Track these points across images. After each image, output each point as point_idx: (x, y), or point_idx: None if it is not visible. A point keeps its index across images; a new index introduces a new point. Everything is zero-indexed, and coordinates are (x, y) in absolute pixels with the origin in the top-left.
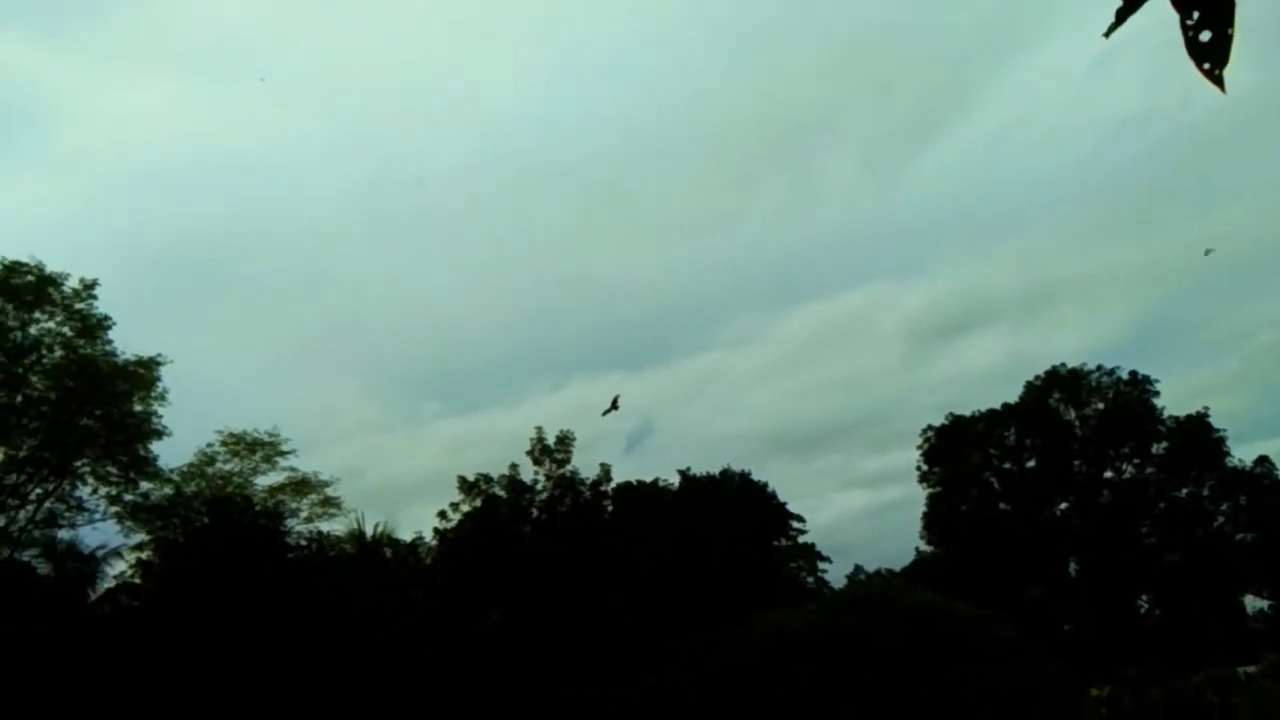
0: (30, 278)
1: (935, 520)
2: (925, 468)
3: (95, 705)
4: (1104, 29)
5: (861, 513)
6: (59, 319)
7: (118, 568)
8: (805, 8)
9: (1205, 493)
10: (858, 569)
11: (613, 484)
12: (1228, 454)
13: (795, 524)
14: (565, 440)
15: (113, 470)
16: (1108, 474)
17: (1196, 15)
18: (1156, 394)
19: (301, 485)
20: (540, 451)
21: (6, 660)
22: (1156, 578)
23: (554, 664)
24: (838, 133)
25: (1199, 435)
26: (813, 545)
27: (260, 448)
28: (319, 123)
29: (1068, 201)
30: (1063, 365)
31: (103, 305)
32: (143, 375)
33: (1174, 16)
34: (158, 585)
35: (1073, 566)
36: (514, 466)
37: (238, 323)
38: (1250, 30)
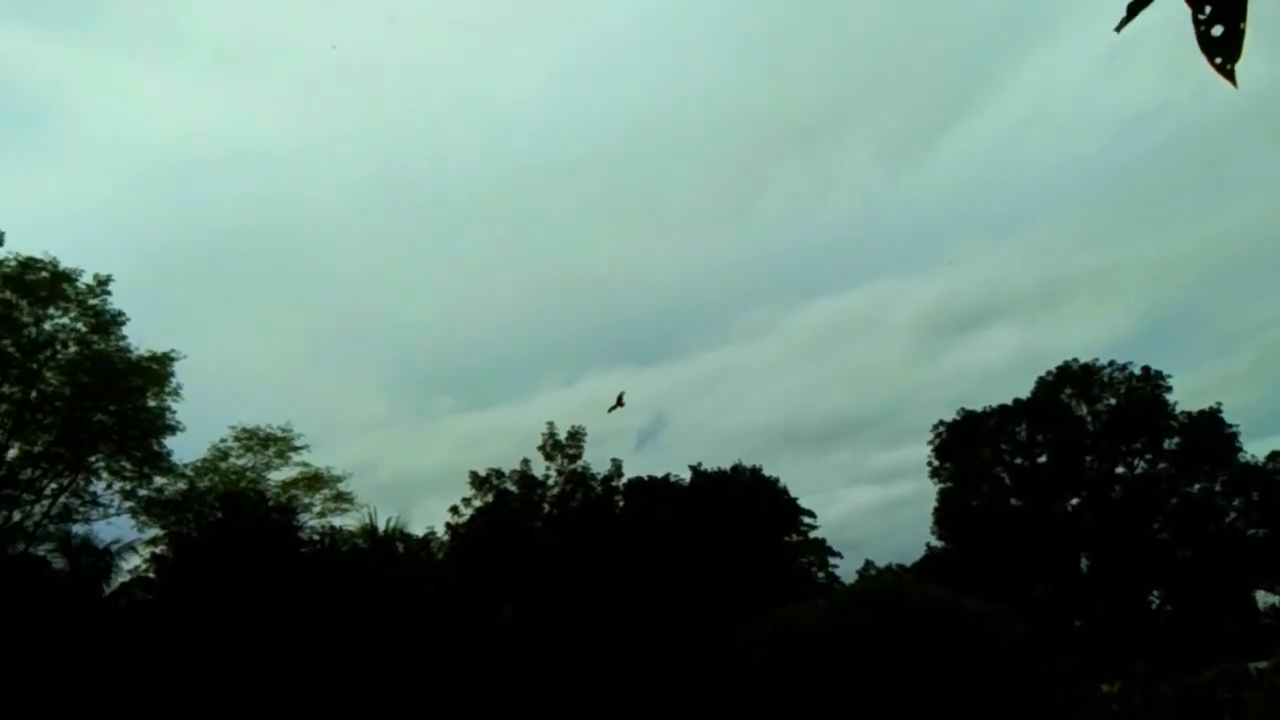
0: (44, 274)
1: (946, 516)
2: (936, 463)
3: (110, 699)
4: (1116, 23)
5: (872, 508)
6: (73, 315)
7: (132, 562)
8: (817, 2)
9: (1217, 488)
10: (868, 564)
11: (624, 479)
12: (1240, 449)
13: (806, 519)
14: (577, 435)
15: (127, 465)
16: (1119, 469)
17: (1209, 9)
18: (1169, 389)
19: (314, 480)
20: (552, 447)
21: (22, 654)
22: (1168, 573)
23: (564, 660)
24: (850, 127)
25: (1211, 431)
26: (824, 540)
27: (273, 443)
28: (332, 118)
29: (1081, 196)
30: (1074, 361)
31: (116, 301)
32: (156, 371)
33: (1186, 10)
34: (172, 580)
35: (1084, 562)
36: (526, 462)
37: (251, 318)
38: (1265, 24)
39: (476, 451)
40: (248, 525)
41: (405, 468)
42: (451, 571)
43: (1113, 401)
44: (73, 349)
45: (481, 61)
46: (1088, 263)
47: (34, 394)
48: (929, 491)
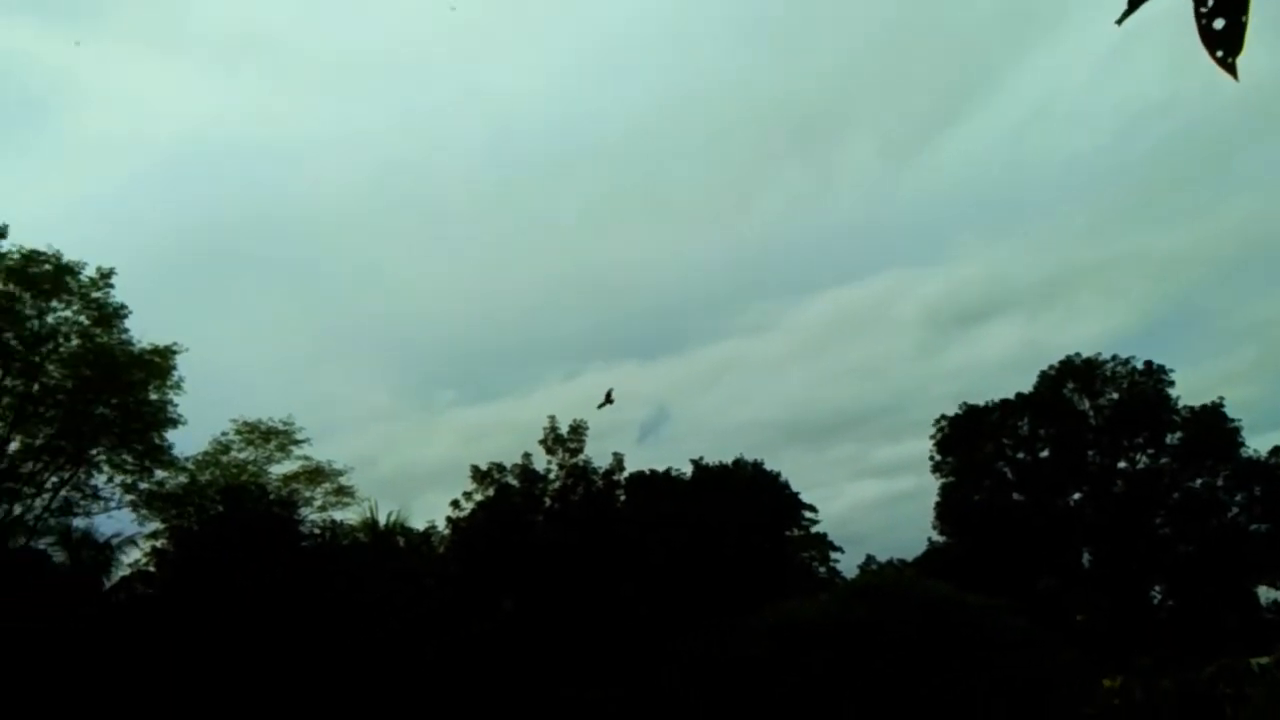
0: (47, 267)
1: (948, 510)
2: (938, 457)
3: (111, 693)
4: (1118, 16)
5: (874, 502)
6: (75, 308)
7: (133, 556)
8: None
9: (1220, 483)
10: (870, 559)
11: (625, 473)
12: (1242, 444)
13: (808, 514)
14: (578, 429)
15: (128, 459)
16: (1121, 464)
17: (1210, 3)
18: (1171, 384)
19: (315, 474)
20: (553, 440)
21: (22, 649)
22: (1170, 568)
23: (565, 655)
24: (854, 123)
25: (1214, 425)
26: (825, 535)
27: (274, 436)
28: (335, 110)
29: (1084, 191)
30: (1077, 355)
31: (119, 294)
32: (158, 364)
33: (1188, 4)
34: (172, 573)
35: (1086, 557)
36: (527, 455)
37: (253, 311)
38: (1269, 18)
39: (478, 445)
40: (249, 519)
41: (406, 461)
42: (452, 565)
43: (1115, 396)
44: (75, 342)
45: (485, 58)
46: (1091, 258)
47: (36, 387)
48: (931, 486)
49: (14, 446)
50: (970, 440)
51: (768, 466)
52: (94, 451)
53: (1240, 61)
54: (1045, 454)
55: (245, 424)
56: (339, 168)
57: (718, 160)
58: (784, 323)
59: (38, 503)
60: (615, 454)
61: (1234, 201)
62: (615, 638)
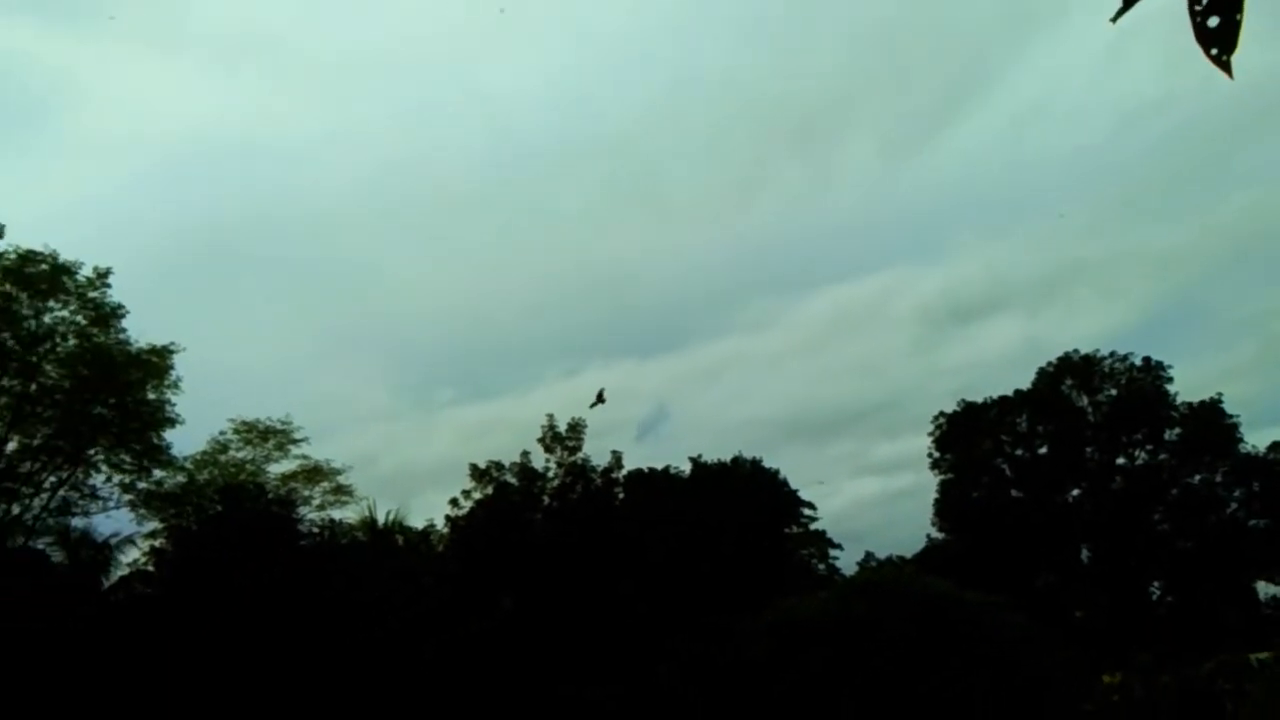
0: (44, 267)
1: (947, 507)
2: (937, 454)
3: (109, 692)
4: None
5: (873, 500)
6: (73, 308)
7: (131, 555)
8: None
9: (1218, 479)
10: (869, 556)
11: (624, 471)
12: (1241, 440)
13: (806, 511)
14: (577, 428)
15: (126, 458)
16: (1120, 460)
17: (1205, 1)
18: (1169, 380)
19: (314, 473)
20: (552, 439)
21: (21, 648)
22: (1169, 564)
23: (564, 653)
24: (854, 117)
25: (1212, 421)
26: (824, 532)
27: (273, 435)
28: (334, 110)
29: (1082, 187)
30: (1075, 352)
31: (116, 294)
32: (156, 363)
33: (1184, 1)
34: (171, 573)
35: (1085, 553)
36: (525, 454)
37: (251, 310)
38: (1267, 15)
39: (476, 444)
40: (247, 518)
41: (405, 460)
42: (451, 564)
43: (1113, 392)
44: (72, 342)
45: (485, 57)
46: (1089, 254)
47: (33, 387)
48: (929, 483)
49: (12, 446)
50: (969, 437)
51: (766, 464)
52: (92, 451)
53: (1236, 58)
54: (1044, 451)
55: (243, 423)
56: (338, 167)
57: (717, 158)
58: (783, 320)
59: (36, 502)
60: (614, 452)
61: (1232, 197)
62: (614, 636)
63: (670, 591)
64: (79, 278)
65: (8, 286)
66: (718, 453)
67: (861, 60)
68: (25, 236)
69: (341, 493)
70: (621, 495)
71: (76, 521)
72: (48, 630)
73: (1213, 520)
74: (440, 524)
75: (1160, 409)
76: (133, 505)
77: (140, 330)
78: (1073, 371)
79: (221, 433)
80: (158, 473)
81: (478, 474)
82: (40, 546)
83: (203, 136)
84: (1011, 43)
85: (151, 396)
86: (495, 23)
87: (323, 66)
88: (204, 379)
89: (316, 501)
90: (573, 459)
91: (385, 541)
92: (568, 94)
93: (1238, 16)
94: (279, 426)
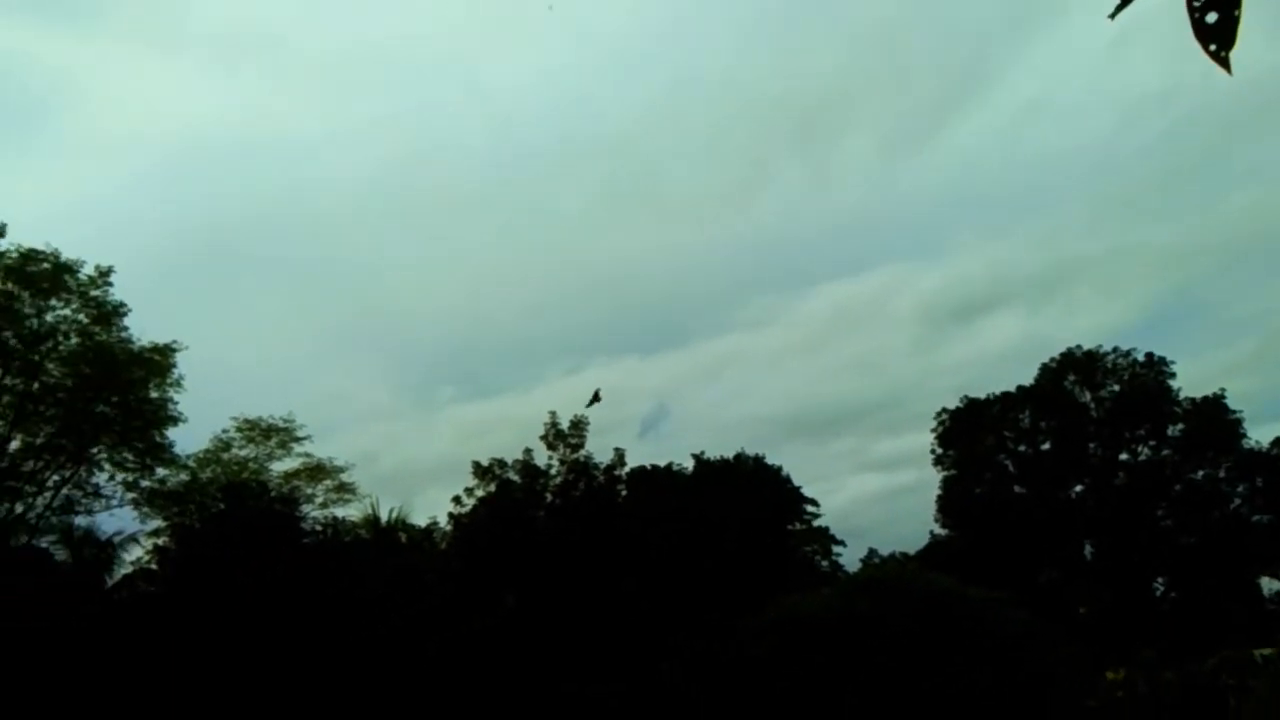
0: (46, 265)
1: (949, 503)
2: (939, 450)
3: (113, 691)
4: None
5: (876, 496)
6: (75, 306)
7: (134, 554)
8: None
9: (1221, 474)
10: (872, 552)
11: (627, 468)
12: (1244, 435)
13: (809, 508)
14: (579, 425)
15: (129, 457)
16: (1123, 456)
17: None
18: (1172, 375)
19: (316, 471)
20: (554, 436)
21: (25, 646)
22: (1172, 560)
23: (567, 651)
24: (855, 114)
25: (1215, 417)
26: (827, 529)
27: (275, 433)
28: (335, 108)
29: (1086, 182)
30: (1078, 347)
31: (118, 292)
32: (158, 362)
33: None
34: (174, 571)
35: (1088, 549)
36: (528, 451)
37: (253, 309)
38: (1268, 9)
39: (479, 441)
40: (250, 516)
41: (407, 458)
42: (454, 561)
43: (1116, 388)
44: (74, 340)
45: (485, 56)
46: (1091, 250)
47: (36, 385)
48: (932, 479)
49: (15, 445)
50: (971, 433)
51: (769, 461)
52: (95, 449)
53: (1236, 54)
54: (1046, 446)
55: (246, 421)
56: (339, 165)
57: (717, 157)
58: (784, 317)
59: (39, 501)
60: (616, 449)
61: (1234, 193)
62: (617, 633)
63: (673, 589)
64: (81, 276)
65: (10, 285)
66: (720, 450)
67: (861, 59)
68: (26, 236)
69: (344, 491)
70: (624, 492)
71: (80, 520)
72: (51, 629)
73: (1216, 516)
74: (443, 522)
75: (1163, 404)
76: (136, 503)
77: (143, 329)
78: (1075, 367)
79: (224, 431)
80: (161, 471)
81: (480, 471)
82: (44, 545)
83: (203, 136)
84: (1011, 41)
85: (154, 395)
86: (495, 23)
87: (323, 66)
88: (206, 378)
89: (319, 499)
90: (575, 456)
91: (388, 539)
92: (568, 94)
93: (1236, 12)
94: (281, 425)
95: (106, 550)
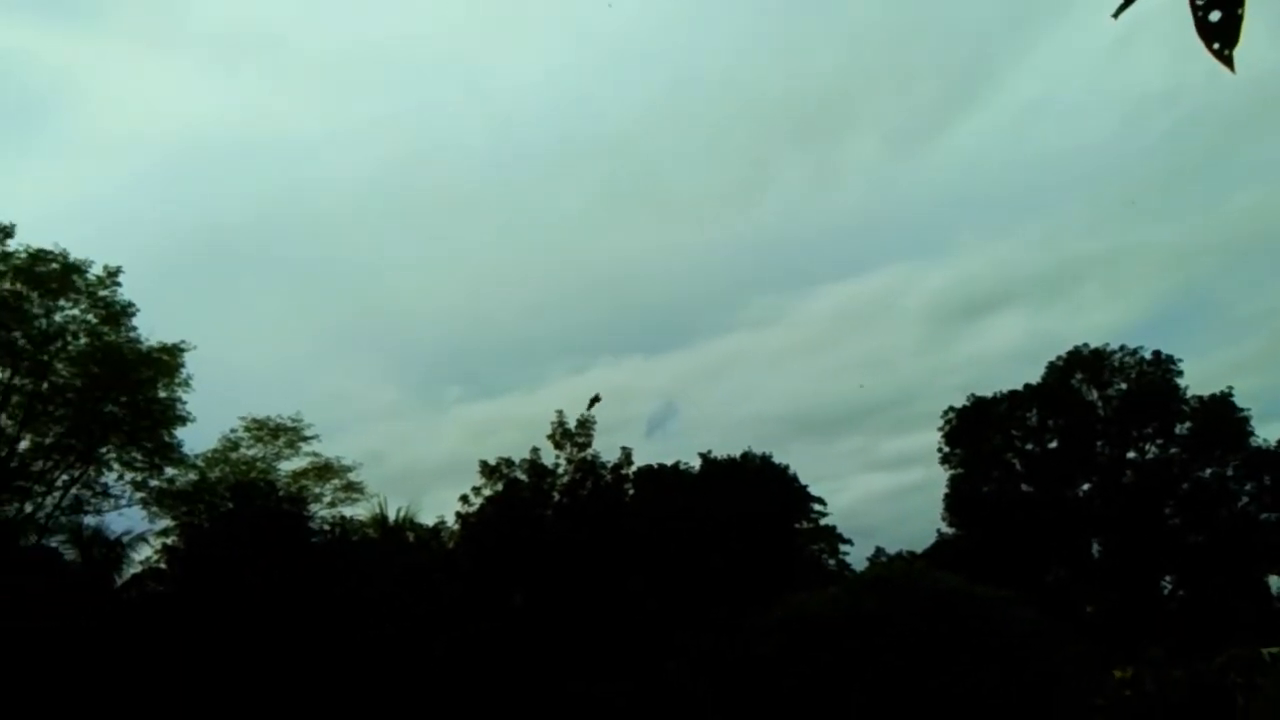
0: (54, 265)
1: (957, 502)
2: (946, 449)
3: (122, 690)
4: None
5: (883, 495)
6: (83, 306)
7: (143, 553)
8: None
9: (1229, 473)
10: (879, 551)
11: (634, 467)
12: (1252, 434)
13: (816, 506)
14: (586, 424)
15: (138, 456)
16: (1130, 455)
17: None
18: (1180, 374)
19: (324, 470)
20: (561, 435)
21: (34, 646)
22: (1180, 558)
23: (574, 649)
24: (856, 114)
25: (1223, 415)
26: (834, 528)
27: (283, 433)
28: (337, 108)
29: (1092, 180)
30: (1085, 346)
31: (126, 292)
32: (167, 362)
33: None
34: (183, 570)
35: (1095, 548)
36: (535, 450)
37: (259, 309)
38: (1271, 5)
39: (486, 441)
40: (258, 516)
41: (415, 457)
42: (462, 561)
43: (1124, 386)
44: (83, 340)
45: (486, 55)
46: (1098, 248)
47: (45, 386)
48: (939, 478)
49: (24, 445)
50: (978, 432)
51: (776, 459)
52: (104, 449)
53: (1240, 53)
54: (1054, 445)
55: (254, 421)
56: (342, 165)
57: (718, 157)
58: (790, 317)
59: (48, 501)
60: (623, 448)
61: (1240, 191)
62: (624, 632)
63: (680, 587)
64: (89, 276)
65: (18, 285)
66: (727, 448)
67: (863, 59)
68: (27, 236)
69: (352, 490)
70: (631, 491)
71: (89, 520)
72: (61, 628)
73: (1224, 514)
74: (451, 521)
75: (1171, 403)
76: (144, 503)
77: (150, 329)
78: (1082, 365)
79: (232, 431)
80: (169, 470)
81: (488, 470)
82: (53, 545)
83: (203, 136)
84: (1014, 40)
85: (162, 395)
86: (495, 23)
87: (323, 66)
88: (214, 377)
89: (327, 499)
90: (582, 455)
91: (396, 538)
92: (568, 94)
93: (1239, 10)
94: (289, 424)
95: (115, 550)
